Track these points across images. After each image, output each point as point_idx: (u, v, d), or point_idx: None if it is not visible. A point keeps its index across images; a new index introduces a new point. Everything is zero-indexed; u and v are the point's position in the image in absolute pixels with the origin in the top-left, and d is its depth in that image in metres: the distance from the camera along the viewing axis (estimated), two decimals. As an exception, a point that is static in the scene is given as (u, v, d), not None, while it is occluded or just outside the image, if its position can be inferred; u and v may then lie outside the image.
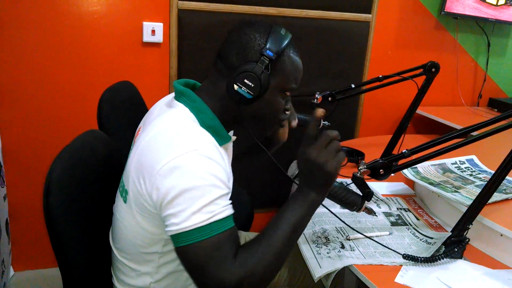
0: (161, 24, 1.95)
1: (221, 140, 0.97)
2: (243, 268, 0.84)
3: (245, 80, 0.93)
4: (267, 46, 0.94)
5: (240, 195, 1.71)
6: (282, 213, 0.92)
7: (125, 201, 0.95)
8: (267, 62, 0.93)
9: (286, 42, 0.97)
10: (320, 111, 0.94)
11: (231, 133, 1.13)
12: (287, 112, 1.07)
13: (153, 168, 0.84)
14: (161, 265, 0.98)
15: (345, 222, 1.10)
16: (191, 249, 0.83)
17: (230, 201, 0.89)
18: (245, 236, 1.43)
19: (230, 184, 0.97)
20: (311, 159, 0.91)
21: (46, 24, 1.82)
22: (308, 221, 0.95)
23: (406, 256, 1.09)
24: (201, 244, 0.82)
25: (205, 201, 0.82)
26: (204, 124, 0.94)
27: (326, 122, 1.62)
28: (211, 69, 1.02)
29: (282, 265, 0.92)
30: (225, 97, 0.97)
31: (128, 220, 0.94)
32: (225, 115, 0.99)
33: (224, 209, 0.85)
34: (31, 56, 1.84)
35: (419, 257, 1.09)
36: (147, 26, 1.93)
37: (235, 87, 0.93)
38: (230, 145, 1.09)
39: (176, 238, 0.84)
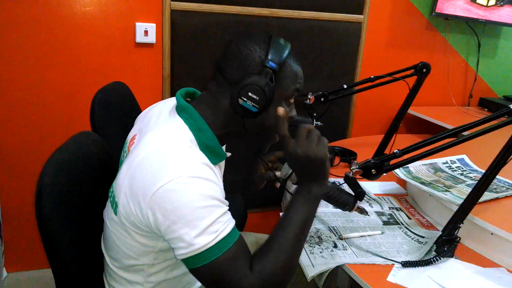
0: (154, 24, 1.95)
1: (217, 159, 0.96)
2: (261, 277, 0.85)
3: (250, 94, 0.91)
4: (269, 58, 0.92)
5: (233, 196, 1.72)
6: (287, 214, 0.93)
7: (115, 213, 0.92)
8: (270, 73, 0.92)
9: (286, 51, 0.96)
10: (281, 110, 0.95)
11: (224, 147, 1.13)
12: (291, 119, 1.05)
13: (148, 190, 0.82)
14: (151, 274, 0.98)
15: (333, 224, 1.11)
16: (206, 270, 0.83)
17: (230, 213, 0.89)
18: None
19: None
20: (299, 155, 0.92)
21: (38, 25, 1.81)
22: (314, 215, 0.95)
23: (405, 263, 1.10)
24: (215, 263, 0.82)
25: (207, 222, 0.81)
26: (202, 144, 0.93)
27: (318, 123, 1.63)
28: (211, 82, 0.99)
29: (297, 263, 0.93)
30: (227, 111, 0.95)
31: (119, 231, 0.93)
32: (226, 129, 0.98)
33: (227, 224, 0.85)
34: (23, 57, 1.83)
35: (418, 261, 1.11)
36: (140, 26, 1.93)
37: (240, 101, 0.92)
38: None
39: (187, 261, 0.84)
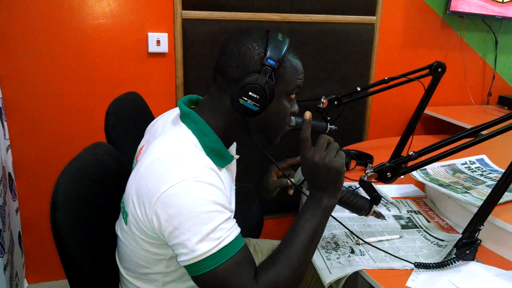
0: (166, 34, 1.97)
1: (223, 162, 0.96)
2: (266, 286, 0.84)
3: (250, 93, 0.90)
4: (268, 55, 0.91)
5: (250, 203, 1.71)
6: (296, 223, 0.92)
7: (126, 223, 0.93)
8: (269, 71, 0.91)
9: (285, 47, 0.94)
10: (308, 114, 0.94)
11: (233, 150, 1.12)
12: (293, 115, 1.05)
13: (152, 195, 0.82)
14: (166, 283, 0.97)
15: (349, 229, 1.09)
16: (207, 278, 0.82)
17: (235, 221, 0.88)
18: (254, 244, 1.43)
19: (233, 206, 0.97)
20: (316, 162, 0.91)
21: (52, 38, 1.84)
22: (324, 227, 0.94)
23: (418, 265, 1.08)
24: (217, 271, 0.81)
25: (209, 228, 0.81)
26: (206, 147, 0.92)
27: (332, 126, 1.62)
28: (211, 84, 0.99)
29: (305, 274, 0.92)
30: (229, 112, 0.95)
31: (130, 242, 0.93)
32: (230, 130, 0.98)
33: (230, 231, 0.84)
34: (38, 70, 1.86)
35: (431, 263, 1.08)
36: (152, 36, 1.95)
37: (241, 101, 0.91)
38: (233, 162, 1.09)
39: (189, 268, 0.83)
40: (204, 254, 0.81)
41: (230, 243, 0.83)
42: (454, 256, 1.10)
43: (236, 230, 0.86)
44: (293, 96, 1.00)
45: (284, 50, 0.94)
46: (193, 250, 0.81)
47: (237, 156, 1.08)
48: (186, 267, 0.84)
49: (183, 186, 0.81)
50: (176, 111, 1.04)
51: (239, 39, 0.95)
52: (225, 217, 0.84)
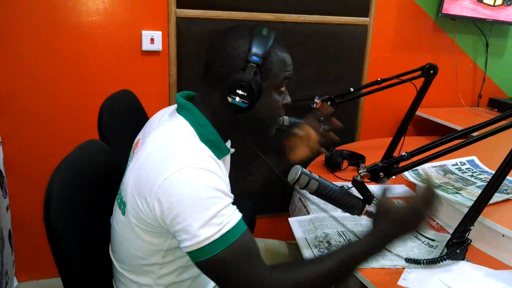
0: (160, 32, 1.96)
1: (220, 153, 0.97)
2: (279, 283, 0.85)
3: (238, 91, 0.91)
4: (252, 52, 0.92)
5: (242, 201, 1.71)
6: (349, 245, 0.94)
7: (123, 213, 0.93)
8: (254, 68, 0.91)
9: (270, 42, 0.95)
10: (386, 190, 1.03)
11: (229, 144, 1.13)
12: (285, 106, 1.06)
13: (153, 183, 0.83)
14: (161, 276, 0.98)
15: (347, 225, 1.10)
16: (212, 263, 0.82)
17: (235, 207, 0.88)
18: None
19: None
20: (422, 212, 0.99)
21: (45, 35, 1.83)
22: (366, 260, 0.95)
23: (408, 260, 1.09)
24: (220, 255, 0.82)
25: (210, 214, 0.81)
26: (203, 138, 0.94)
27: (326, 127, 1.62)
28: (202, 82, 1.00)
29: None
30: (220, 109, 0.96)
31: (127, 232, 0.93)
32: (223, 126, 0.99)
33: (231, 217, 0.84)
34: (31, 66, 1.85)
35: (422, 259, 1.09)
36: (146, 34, 1.95)
37: (229, 99, 0.92)
38: (228, 157, 1.09)
39: (192, 254, 0.83)
40: (207, 239, 0.81)
41: (231, 228, 0.83)
42: (444, 255, 1.11)
43: (237, 216, 0.86)
44: (283, 88, 1.01)
45: (269, 45, 0.94)
46: (195, 236, 0.81)
47: (233, 150, 1.08)
48: (190, 253, 0.84)
49: (184, 173, 0.82)
50: (172, 107, 1.05)
51: (224, 36, 0.96)
52: (225, 203, 0.84)
